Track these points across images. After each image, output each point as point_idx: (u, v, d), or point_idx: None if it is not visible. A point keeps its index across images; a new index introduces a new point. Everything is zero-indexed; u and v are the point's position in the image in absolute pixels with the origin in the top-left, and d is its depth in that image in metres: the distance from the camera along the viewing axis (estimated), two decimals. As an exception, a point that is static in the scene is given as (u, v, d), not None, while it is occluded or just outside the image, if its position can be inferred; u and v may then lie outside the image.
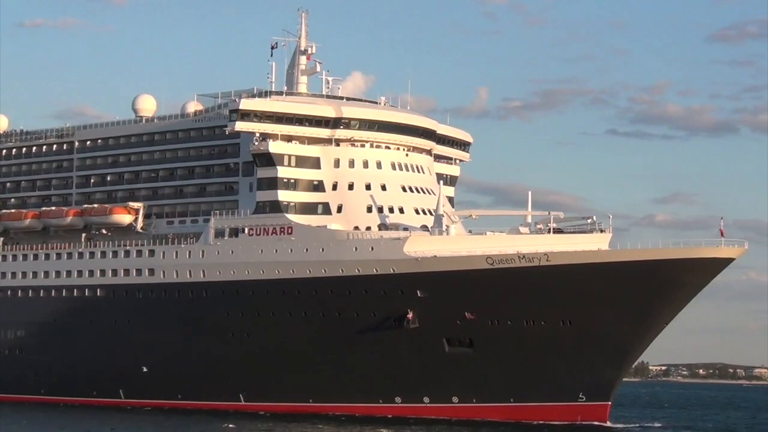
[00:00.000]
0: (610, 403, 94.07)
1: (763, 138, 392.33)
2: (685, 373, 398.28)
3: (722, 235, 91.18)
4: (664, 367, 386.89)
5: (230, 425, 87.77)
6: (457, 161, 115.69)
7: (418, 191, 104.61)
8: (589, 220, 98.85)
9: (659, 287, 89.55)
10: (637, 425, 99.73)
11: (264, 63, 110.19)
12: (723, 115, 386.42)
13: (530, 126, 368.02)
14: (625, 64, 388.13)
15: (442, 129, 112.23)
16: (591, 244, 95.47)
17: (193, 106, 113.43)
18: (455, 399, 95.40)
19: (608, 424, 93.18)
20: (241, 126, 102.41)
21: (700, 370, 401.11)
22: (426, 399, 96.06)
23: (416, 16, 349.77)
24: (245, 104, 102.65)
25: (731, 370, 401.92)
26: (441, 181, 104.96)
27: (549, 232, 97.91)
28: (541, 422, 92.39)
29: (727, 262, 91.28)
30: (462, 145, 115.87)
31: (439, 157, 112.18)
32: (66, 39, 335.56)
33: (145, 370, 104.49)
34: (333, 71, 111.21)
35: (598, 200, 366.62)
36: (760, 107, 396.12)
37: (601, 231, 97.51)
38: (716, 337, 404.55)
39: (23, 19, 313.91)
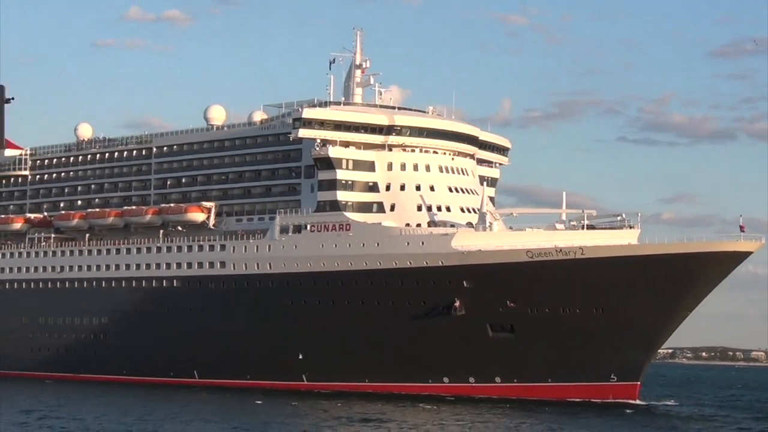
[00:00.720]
0: (639, 383, 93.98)
1: (760, 144, 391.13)
2: (689, 355, 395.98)
3: (742, 230, 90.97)
4: (670, 350, 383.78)
5: (294, 403, 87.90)
6: (497, 165, 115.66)
7: (462, 192, 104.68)
8: (619, 218, 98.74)
9: (684, 278, 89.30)
10: (675, 403, 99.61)
11: (323, 76, 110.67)
12: (723, 124, 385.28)
13: (549, 134, 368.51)
14: (635, 77, 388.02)
15: (484, 135, 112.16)
16: (621, 239, 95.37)
17: (258, 115, 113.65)
18: (498, 379, 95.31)
19: (638, 401, 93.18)
20: (303, 133, 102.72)
21: (703, 353, 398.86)
22: (471, 379, 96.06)
23: (447, 36, 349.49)
24: (307, 113, 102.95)
25: (731, 353, 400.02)
26: (484, 183, 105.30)
27: (582, 228, 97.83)
28: (575, 400, 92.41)
29: (745, 255, 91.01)
30: (501, 150, 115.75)
31: (480, 161, 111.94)
32: (133, 57, 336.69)
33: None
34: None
35: (609, 200, 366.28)
36: (756, 116, 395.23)
37: (630, 227, 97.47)
38: (718, 323, 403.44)
39: (96, 39, 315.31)
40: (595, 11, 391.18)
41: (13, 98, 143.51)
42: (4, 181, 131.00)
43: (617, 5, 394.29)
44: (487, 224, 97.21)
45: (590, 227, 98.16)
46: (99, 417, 74.22)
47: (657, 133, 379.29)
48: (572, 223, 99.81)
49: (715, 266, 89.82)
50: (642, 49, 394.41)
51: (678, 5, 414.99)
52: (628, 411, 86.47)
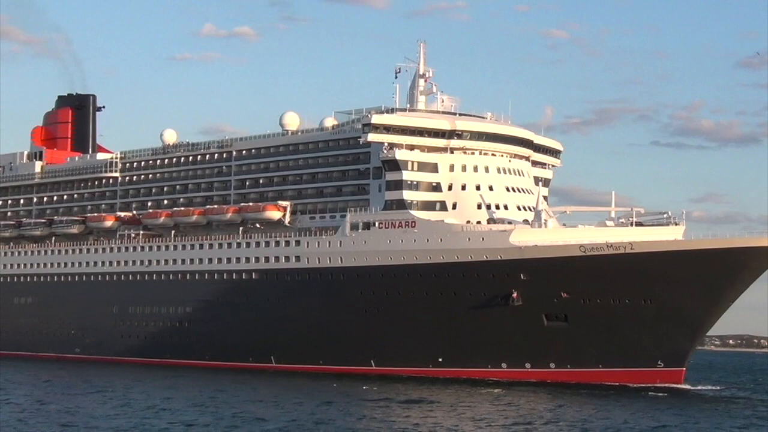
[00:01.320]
0: (684, 368, 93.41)
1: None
2: (717, 342, 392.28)
3: None
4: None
5: (371, 387, 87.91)
6: (550, 166, 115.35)
7: (519, 191, 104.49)
8: (665, 215, 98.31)
9: (727, 270, 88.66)
10: (721, 388, 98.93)
11: (388, 85, 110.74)
12: (748, 129, 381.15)
13: (587, 138, 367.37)
14: (667, 86, 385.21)
15: (538, 139, 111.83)
16: (668, 235, 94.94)
17: (329, 121, 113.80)
18: (552, 365, 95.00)
19: (684, 386, 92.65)
20: (372, 137, 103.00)
21: (730, 341, 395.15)
22: (528, 365, 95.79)
23: (495, 49, 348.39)
24: (376, 119, 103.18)
25: (756, 341, 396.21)
26: (539, 183, 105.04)
27: (631, 224, 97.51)
28: (625, 384, 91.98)
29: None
30: (554, 152, 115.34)
31: (535, 163, 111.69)
32: (208, 69, 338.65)
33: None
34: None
35: (643, 200, 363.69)
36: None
37: (676, 224, 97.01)
38: (744, 313, 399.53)
39: (174, 53, 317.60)
40: (630, 25, 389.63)
41: (104, 107, 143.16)
42: (96, 182, 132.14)
43: (651, 20, 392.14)
44: (543, 221, 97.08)
45: (638, 224, 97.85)
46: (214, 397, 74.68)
47: (687, 137, 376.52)
48: (621, 220, 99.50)
49: (756, 259, 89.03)
50: (673, 61, 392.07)
51: (707, 20, 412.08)
52: (661, 395, 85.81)
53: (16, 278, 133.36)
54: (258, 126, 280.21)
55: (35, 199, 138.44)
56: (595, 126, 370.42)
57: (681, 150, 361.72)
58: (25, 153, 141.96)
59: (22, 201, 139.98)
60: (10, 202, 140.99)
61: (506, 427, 62.24)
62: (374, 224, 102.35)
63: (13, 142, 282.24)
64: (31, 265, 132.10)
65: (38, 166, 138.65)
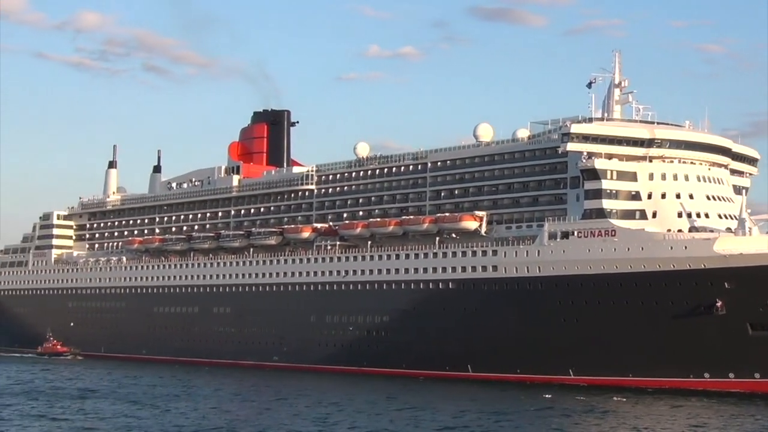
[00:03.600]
0: None
1: None
2: None
3: None
4: None
5: (547, 395, 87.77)
6: (748, 174, 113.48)
7: (719, 199, 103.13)
8: None
9: None
10: None
11: (578, 95, 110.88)
12: None
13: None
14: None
15: (736, 147, 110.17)
16: None
17: (522, 132, 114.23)
18: (757, 375, 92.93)
19: None
20: (571, 146, 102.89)
21: None
22: (731, 375, 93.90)
23: (651, 63, 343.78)
24: (575, 128, 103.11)
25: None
26: (743, 191, 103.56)
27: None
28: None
29: None
30: (751, 161, 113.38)
31: (732, 171, 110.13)
32: (372, 88, 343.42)
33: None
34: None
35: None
36: None
37: None
38: None
39: (340, 74, 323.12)
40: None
41: (297, 122, 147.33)
42: (293, 195, 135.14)
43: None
44: (747, 229, 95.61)
45: None
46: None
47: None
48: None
49: None
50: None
51: None
52: None
53: (215, 288, 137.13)
54: (424, 141, 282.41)
55: (233, 212, 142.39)
56: (751, 139, 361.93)
57: None
58: (223, 167, 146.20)
59: (220, 213, 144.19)
60: (209, 214, 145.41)
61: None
62: (573, 233, 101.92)
63: (211, 157, 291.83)
64: (230, 275, 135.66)
65: (236, 179, 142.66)
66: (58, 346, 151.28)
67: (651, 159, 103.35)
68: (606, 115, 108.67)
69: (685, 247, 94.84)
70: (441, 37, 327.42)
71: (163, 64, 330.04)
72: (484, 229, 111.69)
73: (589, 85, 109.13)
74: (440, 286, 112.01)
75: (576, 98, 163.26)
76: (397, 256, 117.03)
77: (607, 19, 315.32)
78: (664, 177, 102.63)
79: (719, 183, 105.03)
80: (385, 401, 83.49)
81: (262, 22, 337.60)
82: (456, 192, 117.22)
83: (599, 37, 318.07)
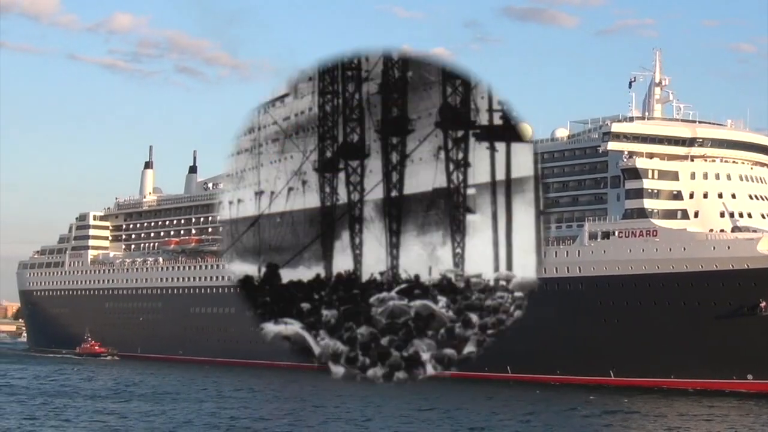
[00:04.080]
0: None
1: None
2: None
3: None
4: None
5: (591, 397, 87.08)
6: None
7: (762, 199, 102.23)
8: None
9: None
10: None
11: (618, 94, 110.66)
12: None
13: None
14: None
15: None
16: None
17: (561, 131, 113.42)
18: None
19: None
20: (612, 146, 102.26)
21: None
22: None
23: (684, 63, 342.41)
24: (616, 128, 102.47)
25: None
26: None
27: None
28: None
29: None
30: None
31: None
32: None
33: None
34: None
35: None
36: None
37: None
38: None
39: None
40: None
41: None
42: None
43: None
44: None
45: None
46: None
47: None
48: None
49: None
50: None
51: None
52: None
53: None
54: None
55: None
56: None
57: None
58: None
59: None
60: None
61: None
62: (614, 233, 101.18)
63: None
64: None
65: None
66: (96, 347, 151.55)
67: (693, 158, 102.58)
68: (646, 114, 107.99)
69: (728, 248, 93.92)
70: (472, 38, 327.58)
71: (195, 66, 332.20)
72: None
73: (630, 85, 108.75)
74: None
75: (611, 98, 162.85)
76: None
77: (639, 19, 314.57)
78: (706, 176, 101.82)
79: (762, 182, 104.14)
80: (422, 401, 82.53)
81: (294, 24, 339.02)
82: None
83: (631, 37, 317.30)
